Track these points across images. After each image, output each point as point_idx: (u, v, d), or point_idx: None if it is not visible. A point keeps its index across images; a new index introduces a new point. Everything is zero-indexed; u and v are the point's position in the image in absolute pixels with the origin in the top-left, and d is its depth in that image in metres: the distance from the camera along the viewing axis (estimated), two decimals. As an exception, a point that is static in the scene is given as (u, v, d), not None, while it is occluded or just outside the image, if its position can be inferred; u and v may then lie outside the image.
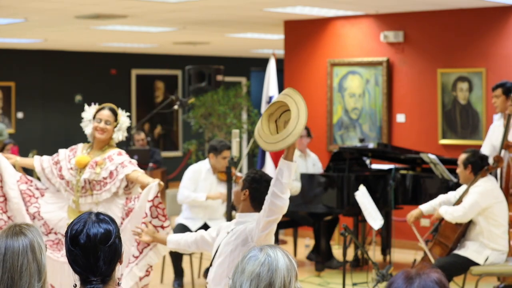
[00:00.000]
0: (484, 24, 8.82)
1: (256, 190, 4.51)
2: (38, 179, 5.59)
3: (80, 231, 2.72)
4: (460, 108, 8.97)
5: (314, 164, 8.66)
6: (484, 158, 6.52)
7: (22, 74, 14.31)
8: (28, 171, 8.32)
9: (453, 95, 9.01)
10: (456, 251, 6.45)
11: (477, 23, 8.88)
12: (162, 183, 5.20)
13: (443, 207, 6.45)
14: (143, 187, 5.31)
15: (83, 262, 2.71)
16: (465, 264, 6.37)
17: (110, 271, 2.74)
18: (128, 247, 5.17)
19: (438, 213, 6.46)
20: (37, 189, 5.47)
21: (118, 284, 2.87)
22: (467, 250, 6.38)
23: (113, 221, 2.79)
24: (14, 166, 5.57)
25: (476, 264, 6.35)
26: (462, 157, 6.53)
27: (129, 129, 5.70)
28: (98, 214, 2.78)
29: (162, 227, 5.12)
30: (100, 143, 5.46)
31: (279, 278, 2.49)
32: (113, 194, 5.33)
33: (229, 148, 7.58)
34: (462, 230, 6.44)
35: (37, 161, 5.55)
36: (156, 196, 5.12)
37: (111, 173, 5.31)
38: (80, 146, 5.56)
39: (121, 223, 5.27)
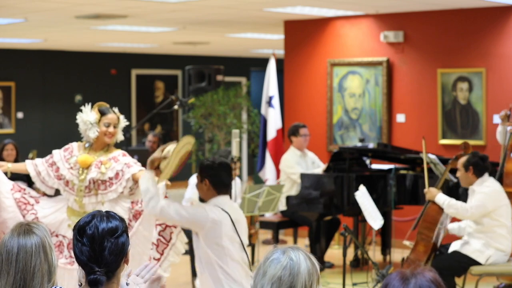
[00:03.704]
0: (484, 24, 8.82)
1: (214, 175, 4.81)
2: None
3: (89, 222, 2.75)
4: (460, 108, 8.97)
5: (313, 162, 8.67)
6: (485, 158, 6.52)
7: (22, 74, 14.31)
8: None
9: (453, 95, 9.02)
10: (458, 249, 6.42)
11: (477, 23, 8.88)
12: (169, 183, 5.22)
13: (443, 196, 6.40)
14: None
15: (88, 252, 2.72)
16: (467, 264, 6.36)
17: (115, 266, 2.75)
18: (142, 249, 5.19)
19: (433, 198, 6.42)
20: (31, 196, 5.43)
21: (127, 284, 2.87)
22: (469, 248, 6.35)
23: (122, 219, 2.81)
24: (6, 174, 5.54)
25: (478, 263, 6.34)
26: (462, 160, 6.51)
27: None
28: (108, 211, 2.82)
29: (174, 226, 5.16)
30: (102, 144, 5.45)
31: (300, 282, 2.49)
32: (119, 194, 5.33)
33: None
34: (441, 218, 6.46)
35: (31, 166, 5.49)
36: (166, 197, 5.15)
37: (117, 173, 5.31)
38: (75, 145, 5.53)
39: (129, 224, 5.29)
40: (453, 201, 6.35)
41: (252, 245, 8.37)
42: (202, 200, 5.02)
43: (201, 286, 4.93)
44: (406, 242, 6.71)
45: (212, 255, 4.79)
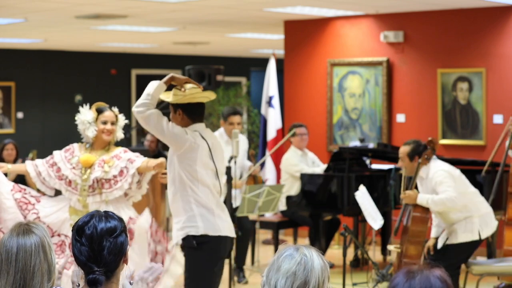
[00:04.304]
0: (484, 24, 8.82)
1: (186, 104, 4.98)
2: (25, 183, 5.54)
3: (87, 222, 2.76)
4: (460, 108, 8.97)
5: (313, 162, 8.65)
6: (426, 145, 6.47)
7: (22, 74, 14.31)
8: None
9: (453, 95, 9.01)
10: (448, 242, 6.33)
11: (477, 23, 8.88)
12: (163, 161, 5.21)
13: (424, 196, 6.25)
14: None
15: (87, 252, 2.72)
16: (465, 250, 6.27)
17: (114, 265, 2.75)
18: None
19: (415, 201, 6.28)
20: (32, 196, 5.40)
21: (130, 284, 2.87)
22: (458, 235, 6.26)
23: (120, 219, 2.82)
24: (6, 175, 5.53)
25: (475, 242, 6.27)
26: (405, 149, 6.41)
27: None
28: (106, 211, 2.82)
29: (167, 250, 5.16)
30: (102, 143, 5.46)
31: (314, 277, 2.53)
32: (126, 191, 5.34)
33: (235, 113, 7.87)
34: (430, 220, 6.38)
35: (31, 167, 5.47)
36: (152, 223, 5.16)
37: (121, 170, 5.32)
38: (76, 146, 5.53)
39: (128, 222, 5.31)
40: (435, 197, 6.20)
41: (252, 245, 8.38)
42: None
43: (171, 207, 5.04)
44: (391, 247, 6.62)
45: (185, 178, 4.92)
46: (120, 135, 5.53)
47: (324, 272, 2.56)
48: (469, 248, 6.29)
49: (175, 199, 4.98)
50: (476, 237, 6.24)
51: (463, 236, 6.24)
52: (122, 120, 5.55)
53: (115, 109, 5.57)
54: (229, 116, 7.74)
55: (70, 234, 5.28)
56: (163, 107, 8.90)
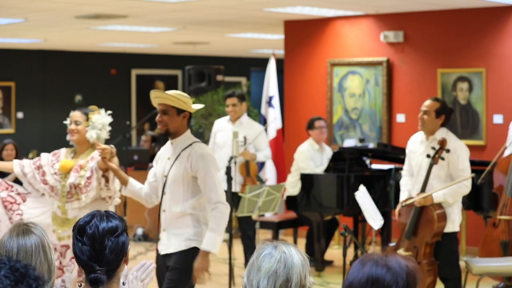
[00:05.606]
0: (484, 24, 8.82)
1: (189, 113, 5.06)
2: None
3: (88, 222, 2.76)
4: (460, 108, 8.97)
5: (329, 158, 8.60)
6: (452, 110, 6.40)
7: (22, 74, 14.31)
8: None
9: (453, 95, 9.01)
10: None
11: (477, 23, 8.88)
12: (107, 146, 5.07)
13: (438, 193, 6.20)
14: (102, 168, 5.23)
15: (89, 251, 2.72)
16: (452, 239, 6.33)
17: (116, 264, 2.75)
18: None
19: (433, 201, 6.24)
20: (18, 194, 5.33)
21: (123, 284, 2.87)
22: (448, 226, 6.31)
23: (121, 218, 2.82)
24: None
25: (455, 233, 6.31)
26: (434, 104, 6.19)
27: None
28: (107, 211, 2.82)
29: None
30: (82, 146, 5.35)
31: (295, 274, 2.51)
32: (100, 192, 5.24)
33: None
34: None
35: (17, 166, 5.38)
36: None
37: (92, 171, 5.21)
38: (63, 151, 5.46)
39: None
40: (448, 190, 6.18)
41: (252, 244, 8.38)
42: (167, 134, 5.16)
43: (172, 219, 5.01)
44: (401, 251, 6.59)
45: (201, 200, 4.99)
46: (92, 134, 5.30)
47: (305, 267, 2.54)
48: (454, 238, 6.34)
49: (183, 216, 4.99)
50: (454, 229, 6.30)
51: (449, 226, 6.28)
52: (99, 119, 5.32)
53: (101, 110, 5.38)
54: (225, 99, 8.33)
55: (51, 240, 5.25)
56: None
